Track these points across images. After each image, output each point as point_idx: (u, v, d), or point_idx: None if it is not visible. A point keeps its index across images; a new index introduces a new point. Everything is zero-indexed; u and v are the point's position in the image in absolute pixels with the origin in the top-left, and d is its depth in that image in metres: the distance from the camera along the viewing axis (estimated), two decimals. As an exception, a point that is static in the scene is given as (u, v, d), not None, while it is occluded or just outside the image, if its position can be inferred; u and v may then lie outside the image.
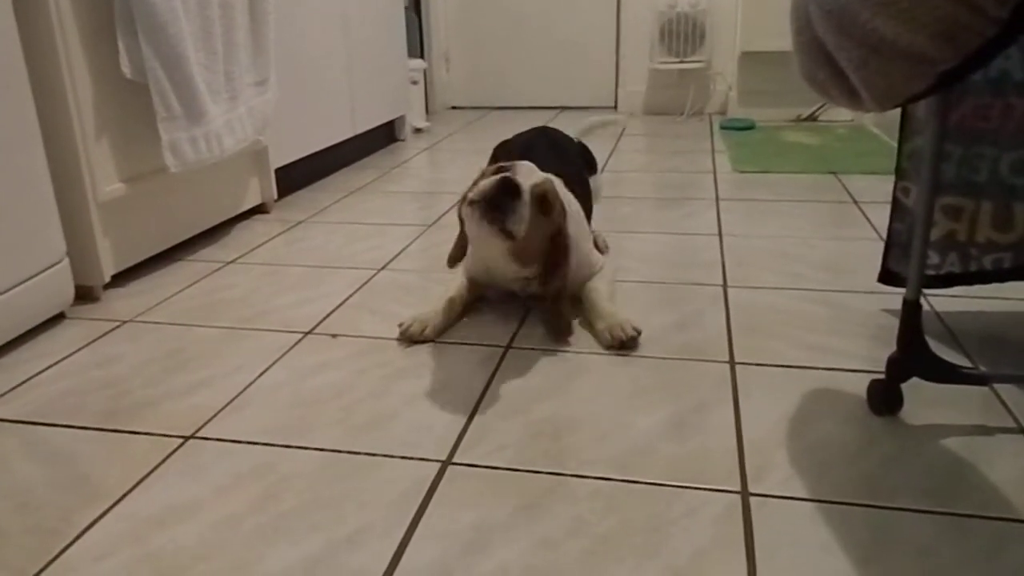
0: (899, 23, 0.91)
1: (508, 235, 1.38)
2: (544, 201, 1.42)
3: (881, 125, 3.41)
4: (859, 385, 1.28)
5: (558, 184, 1.56)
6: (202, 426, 1.22)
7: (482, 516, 0.99)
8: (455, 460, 1.11)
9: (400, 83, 3.55)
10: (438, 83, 4.48)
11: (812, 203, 2.40)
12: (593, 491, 1.03)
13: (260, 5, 2.13)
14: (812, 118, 3.82)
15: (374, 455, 1.13)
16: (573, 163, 1.92)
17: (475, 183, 1.47)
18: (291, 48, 2.50)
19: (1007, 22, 0.83)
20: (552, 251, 1.48)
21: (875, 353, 1.39)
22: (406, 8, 3.71)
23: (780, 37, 3.64)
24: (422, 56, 4.22)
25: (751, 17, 3.70)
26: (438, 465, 1.10)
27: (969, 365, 1.33)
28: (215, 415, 1.25)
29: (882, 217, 2.20)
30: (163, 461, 1.13)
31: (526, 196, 1.37)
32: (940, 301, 1.60)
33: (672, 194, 2.56)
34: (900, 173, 1.52)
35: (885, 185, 2.56)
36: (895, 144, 3.10)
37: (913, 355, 1.14)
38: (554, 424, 1.20)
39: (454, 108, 4.64)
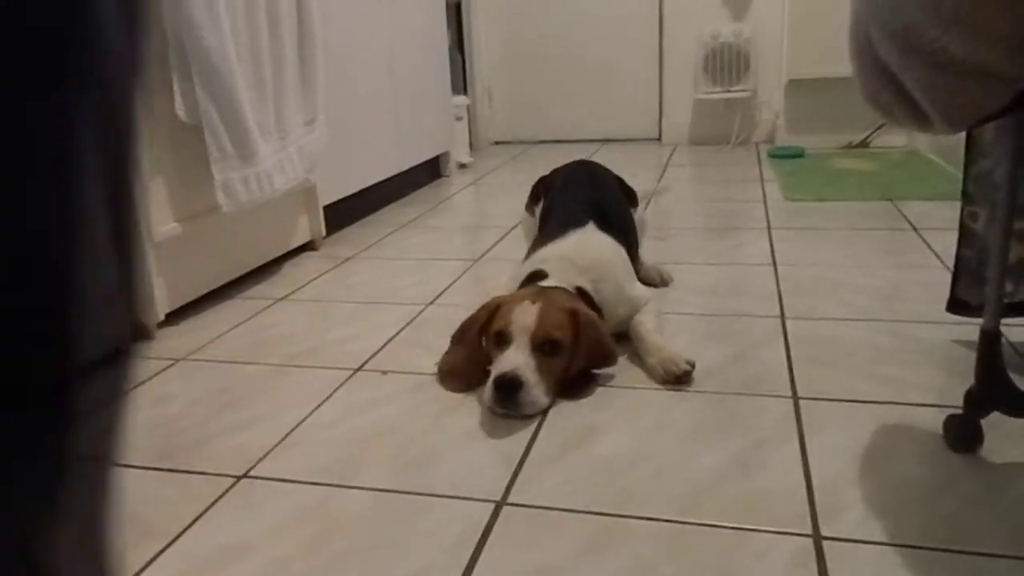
0: (971, 39, 0.87)
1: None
2: (550, 344, 1.34)
3: (937, 149, 3.32)
4: (933, 420, 1.21)
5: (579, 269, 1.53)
6: (254, 465, 1.20)
7: (541, 559, 0.95)
8: (510, 500, 1.08)
9: (445, 120, 3.58)
10: (481, 119, 4.51)
11: (869, 231, 2.33)
12: (656, 533, 0.99)
13: (309, 46, 2.17)
14: (864, 144, 3.75)
15: (427, 495, 1.10)
16: (613, 198, 1.89)
17: (485, 310, 1.44)
18: (339, 87, 2.54)
19: (1091, 34, 0.78)
20: (575, 332, 1.39)
21: (948, 386, 1.33)
22: (450, 46, 3.76)
23: (827, 63, 3.59)
24: (465, 92, 4.27)
25: (797, 44, 3.66)
26: (492, 505, 1.07)
27: (1051, 398, 1.26)
28: (266, 454, 1.23)
29: (944, 243, 2.13)
30: (216, 501, 1.11)
31: (530, 384, 1.30)
32: (1014, 331, 1.53)
33: (722, 223, 2.51)
34: (967, 197, 1.45)
35: (944, 211, 2.48)
36: (952, 168, 3.02)
37: (993, 388, 1.08)
38: (611, 462, 1.16)
39: (497, 143, 4.66)
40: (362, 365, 1.56)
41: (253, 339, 1.73)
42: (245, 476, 1.17)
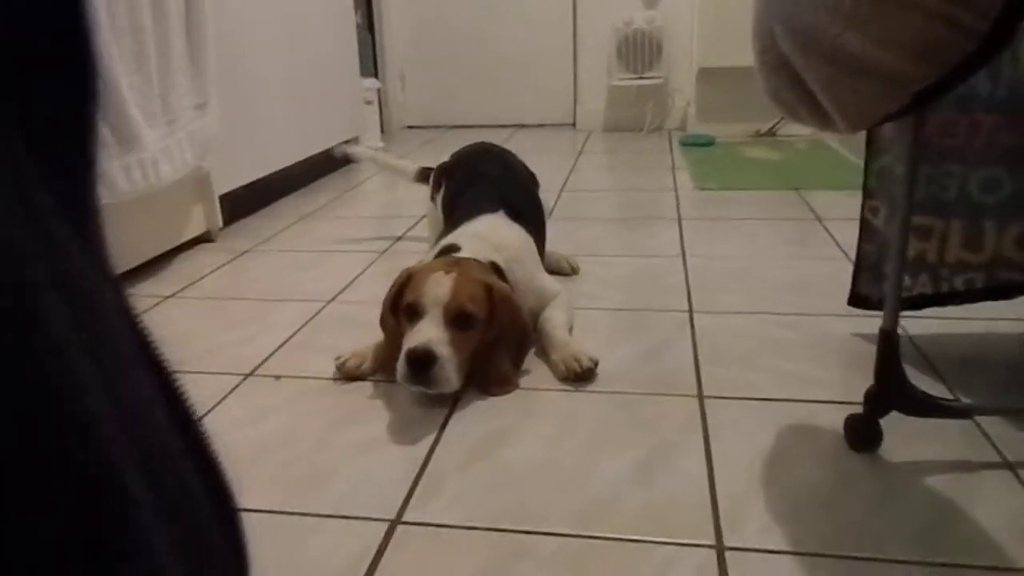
0: (871, 40, 0.85)
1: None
2: (464, 318, 1.29)
3: (841, 140, 3.40)
4: (835, 418, 1.21)
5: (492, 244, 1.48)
6: (126, 487, 1.10)
7: (434, 585, 0.89)
8: (405, 518, 1.01)
9: (353, 103, 3.46)
10: (393, 103, 4.39)
11: (776, 221, 2.35)
12: (558, 549, 0.94)
13: (198, 24, 2.03)
14: (771, 133, 3.81)
15: (316, 515, 1.03)
16: (522, 185, 1.84)
17: (395, 286, 1.38)
18: (233, 68, 2.40)
19: (988, 36, 0.77)
20: (491, 308, 1.33)
21: (850, 382, 1.33)
22: (359, 26, 3.63)
23: (737, 54, 3.62)
24: (376, 75, 4.13)
25: (707, 33, 3.68)
26: (386, 525, 1.00)
27: (947, 395, 1.28)
28: (141, 473, 1.13)
29: (847, 235, 2.16)
30: (80, 529, 1.01)
31: (444, 359, 1.25)
32: (912, 324, 1.55)
33: (633, 213, 2.50)
34: (868, 192, 1.46)
35: (848, 201, 2.52)
36: (855, 159, 3.10)
37: (892, 388, 1.07)
38: (514, 472, 1.11)
39: (410, 128, 4.55)
40: (254, 370, 1.46)
41: (136, 342, 1.61)
42: (115, 500, 1.07)
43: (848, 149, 3.27)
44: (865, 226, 1.48)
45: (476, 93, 4.43)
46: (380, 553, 0.95)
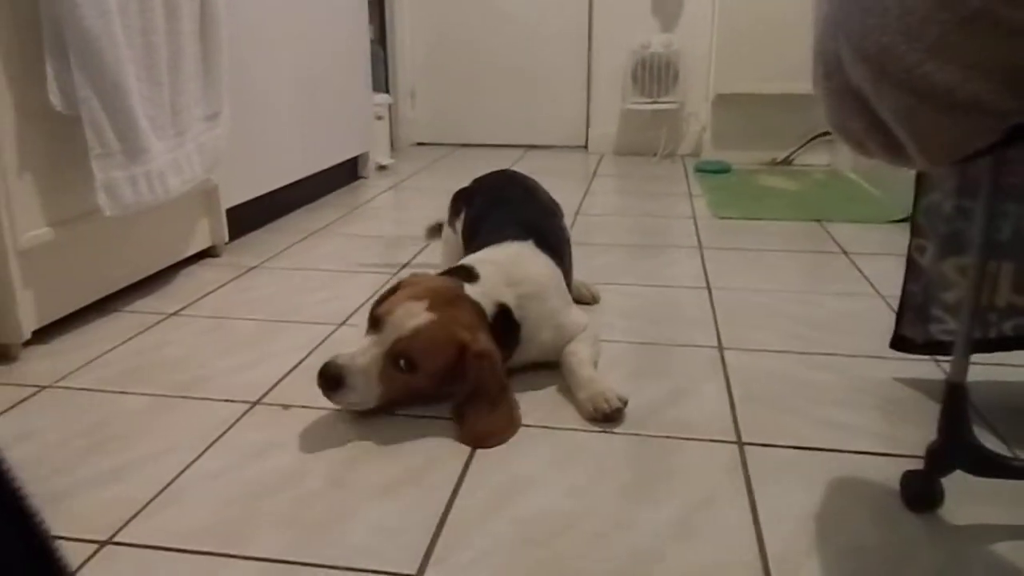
0: (958, 68, 0.77)
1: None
2: (408, 362, 1.23)
3: (859, 171, 3.34)
4: (886, 471, 1.13)
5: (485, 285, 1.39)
6: (122, 527, 1.01)
7: (463, 655, 0.81)
8: (427, 575, 0.92)
9: (364, 118, 3.39)
10: (403, 119, 4.33)
11: (800, 253, 2.28)
12: (596, 619, 0.85)
13: (212, 31, 1.96)
14: (787, 162, 3.75)
15: (329, 567, 0.94)
16: (548, 214, 1.76)
17: (384, 297, 1.35)
18: (245, 79, 2.33)
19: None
20: (461, 369, 1.26)
21: (896, 432, 1.25)
22: (372, 41, 3.57)
23: (754, 80, 3.58)
24: (387, 91, 4.07)
25: (725, 59, 3.63)
26: (407, 581, 0.91)
27: (1003, 449, 1.19)
28: (138, 512, 1.04)
29: (876, 270, 2.09)
30: None
31: (354, 386, 1.22)
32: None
33: (651, 240, 2.42)
34: (915, 230, 1.39)
35: (872, 234, 2.46)
36: (875, 190, 3.04)
37: (957, 445, 0.99)
38: (544, 523, 1.02)
39: (419, 144, 4.49)
40: (260, 398, 1.37)
41: (134, 363, 1.52)
42: (110, 541, 0.98)
43: (866, 180, 3.20)
44: (911, 265, 1.40)
45: (487, 111, 4.37)
46: (401, 615, 0.86)
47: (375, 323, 1.27)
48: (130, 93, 1.63)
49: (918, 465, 1.07)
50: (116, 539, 0.99)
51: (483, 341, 1.27)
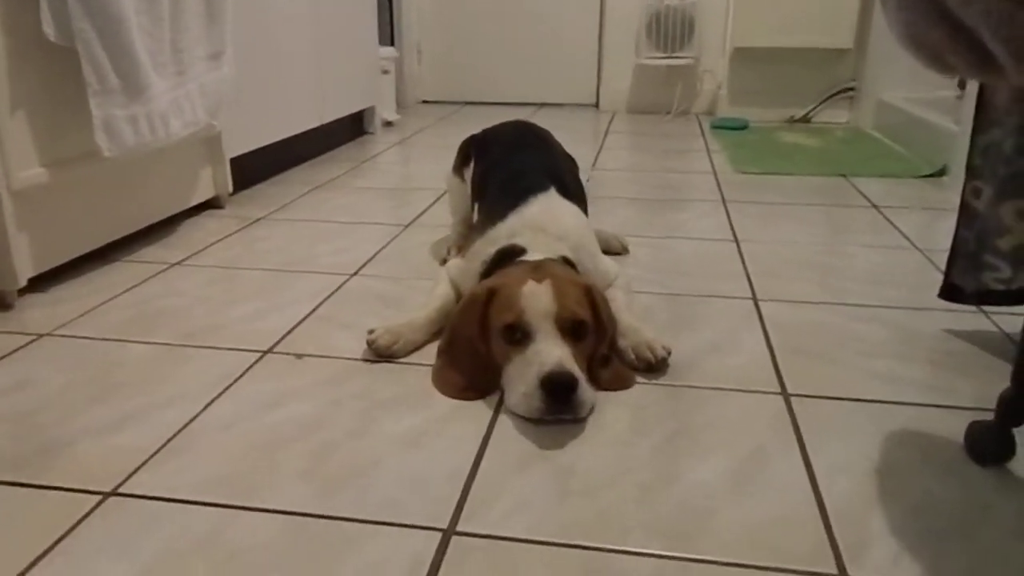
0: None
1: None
2: (578, 326, 1.11)
3: (882, 128, 3.23)
4: (943, 424, 1.05)
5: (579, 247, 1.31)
6: (127, 478, 0.94)
7: (505, 615, 0.73)
8: (460, 528, 0.85)
9: (370, 71, 3.28)
10: (409, 76, 4.20)
11: (829, 207, 2.19)
12: (651, 574, 0.78)
13: (215, -33, 1.85)
14: (806, 119, 3.64)
15: (354, 520, 0.86)
16: (565, 162, 1.67)
17: (474, 303, 1.16)
18: (251, 19, 2.22)
19: None
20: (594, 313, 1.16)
21: (952, 385, 1.17)
22: (377, -9, 3.44)
23: (774, 33, 3.45)
24: (392, 45, 3.95)
25: (744, 11, 3.50)
26: (438, 536, 0.84)
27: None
28: (144, 462, 0.97)
29: (910, 224, 2.01)
30: (72, 528, 0.85)
31: (582, 380, 1.05)
32: (1009, 320, 1.39)
33: (672, 195, 2.33)
34: (972, 171, 1.30)
35: (902, 189, 2.37)
36: (899, 148, 2.93)
37: (1034, 393, 0.91)
38: (585, 476, 0.94)
39: (425, 102, 4.37)
40: (272, 347, 1.29)
41: (138, 312, 1.44)
42: (114, 493, 0.91)
43: (889, 137, 3.10)
44: (964, 209, 1.31)
45: (495, 69, 4.24)
46: (434, 570, 0.78)
47: (514, 333, 1.10)
48: (130, 26, 1.53)
49: (981, 418, 0.99)
50: (120, 490, 0.91)
51: (593, 282, 1.21)
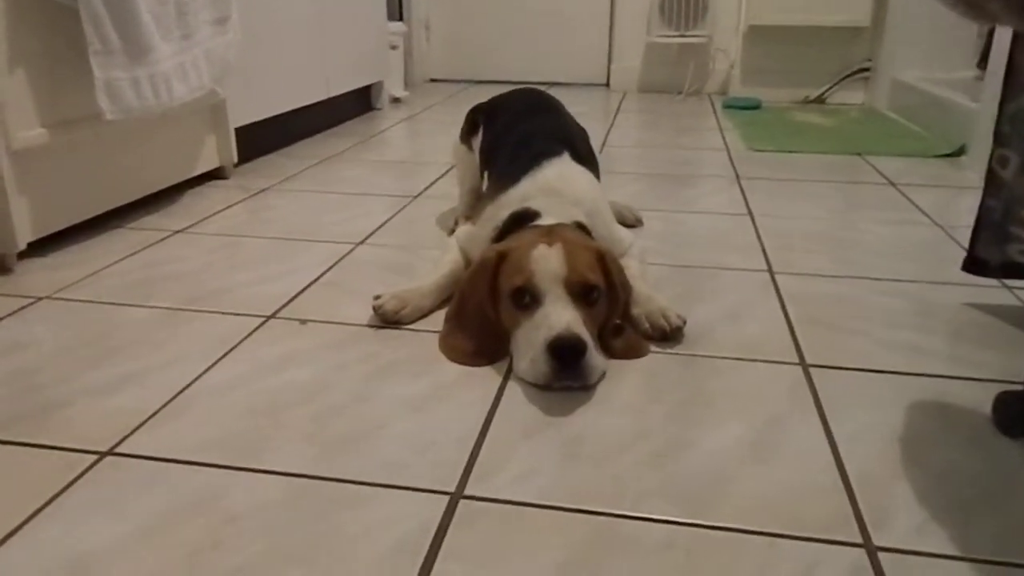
0: None
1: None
2: (588, 290, 1.07)
3: (897, 108, 3.17)
4: (967, 395, 1.02)
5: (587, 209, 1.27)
6: (125, 438, 0.91)
7: (516, 574, 0.70)
8: (468, 492, 0.82)
9: (379, 46, 3.23)
10: (417, 53, 4.15)
11: (845, 184, 2.14)
12: (665, 541, 0.75)
13: (221, -72, 1.81)
14: (820, 100, 3.58)
15: (358, 483, 0.83)
16: (577, 128, 1.62)
17: (484, 267, 1.12)
18: (257, -10, 2.18)
19: None
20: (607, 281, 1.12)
21: (976, 356, 1.13)
22: (386, -35, 3.39)
23: (789, 11, 3.40)
24: (401, 20, 3.89)
25: (759, -12, 3.44)
26: (446, 499, 0.81)
27: (1098, 373, 1.08)
28: (143, 423, 0.94)
29: (928, 201, 1.96)
30: (67, 487, 0.82)
31: (591, 345, 1.02)
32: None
33: (685, 171, 2.29)
34: (999, 138, 1.25)
35: (919, 168, 2.32)
36: (916, 127, 2.88)
37: (1067, 361, 0.88)
38: (594, 441, 0.91)
39: (433, 81, 4.32)
40: (276, 312, 1.26)
41: (140, 276, 1.41)
42: (111, 452, 0.88)
43: (905, 117, 3.04)
44: (991, 178, 1.27)
45: (503, 47, 4.19)
46: (442, 533, 0.75)
47: (523, 297, 1.06)
48: (131, -16, 1.49)
49: (1006, 390, 0.96)
50: (118, 450, 0.88)
51: (607, 247, 1.17)
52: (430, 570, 0.71)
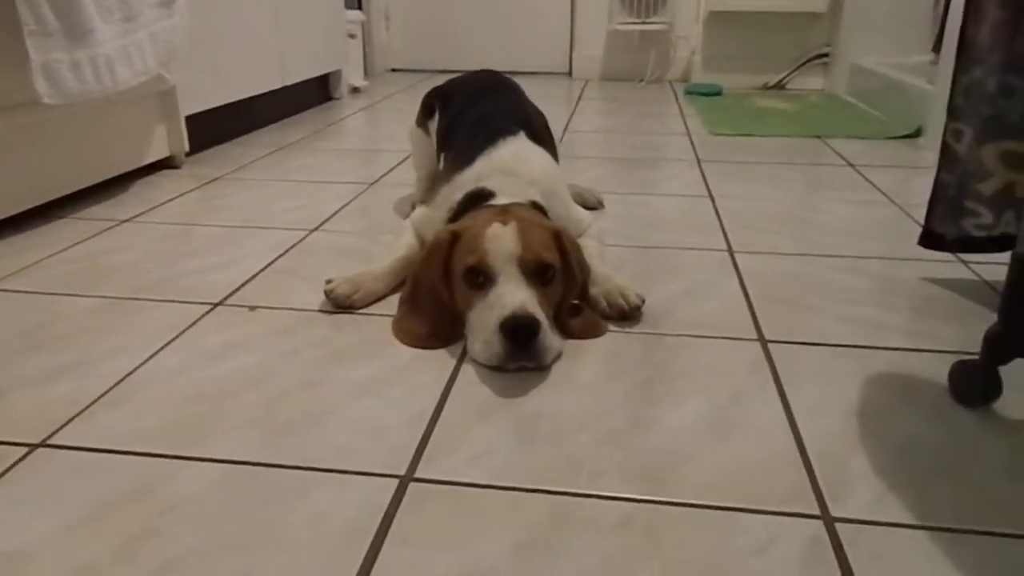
0: None
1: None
2: (543, 269, 1.05)
3: (856, 93, 3.20)
4: (924, 367, 1.02)
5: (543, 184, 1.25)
6: (58, 429, 0.87)
7: (467, 558, 0.68)
8: (419, 475, 0.79)
9: (336, 33, 3.17)
10: (377, 43, 4.09)
11: (804, 166, 2.15)
12: (623, 518, 0.73)
13: (164, -92, 1.75)
14: (780, 86, 3.60)
15: (304, 468, 0.80)
16: (533, 109, 1.60)
17: (438, 248, 1.09)
18: (206, -27, 2.11)
19: None
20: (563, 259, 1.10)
21: (932, 330, 1.13)
22: (343, -49, 3.33)
23: (750, -4, 3.40)
24: (359, 8, 3.83)
25: (718, -25, 3.45)
26: (395, 482, 0.78)
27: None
28: (79, 413, 0.90)
29: (886, 181, 1.97)
30: (-5, 481, 0.78)
31: (545, 325, 1.00)
32: (988, 268, 1.36)
33: (646, 155, 2.28)
34: (952, 112, 1.25)
35: (877, 149, 2.34)
36: (875, 112, 2.90)
37: (1022, 329, 0.87)
38: (551, 421, 0.89)
39: (394, 70, 4.26)
40: (224, 299, 1.22)
41: (84, 266, 1.36)
42: (43, 444, 0.84)
43: (864, 102, 3.07)
44: (945, 152, 1.27)
45: (464, 36, 4.15)
46: (389, 517, 0.73)
47: (476, 277, 1.04)
48: (68, -37, 1.43)
49: (961, 359, 0.95)
50: (50, 441, 0.84)
51: (563, 226, 1.15)
52: (376, 555, 0.68)
